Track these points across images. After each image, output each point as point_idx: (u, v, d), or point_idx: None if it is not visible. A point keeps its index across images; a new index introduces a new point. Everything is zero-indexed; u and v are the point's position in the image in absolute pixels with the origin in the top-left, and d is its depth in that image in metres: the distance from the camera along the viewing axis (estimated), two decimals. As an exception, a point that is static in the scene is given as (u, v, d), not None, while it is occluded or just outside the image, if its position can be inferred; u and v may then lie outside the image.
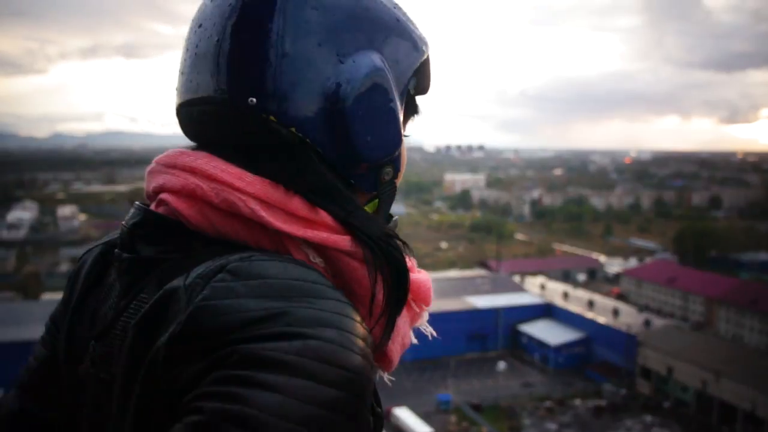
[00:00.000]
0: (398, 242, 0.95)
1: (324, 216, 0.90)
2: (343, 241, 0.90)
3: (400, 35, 1.00)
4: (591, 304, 72.31)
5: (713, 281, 74.39)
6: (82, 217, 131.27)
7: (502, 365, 68.08)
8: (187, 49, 0.98)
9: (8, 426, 1.09)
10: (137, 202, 0.97)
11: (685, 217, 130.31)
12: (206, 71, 0.93)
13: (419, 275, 1.04)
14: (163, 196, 0.92)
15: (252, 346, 0.71)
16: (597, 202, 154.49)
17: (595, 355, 67.55)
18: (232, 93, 0.91)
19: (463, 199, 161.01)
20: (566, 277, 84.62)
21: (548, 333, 68.37)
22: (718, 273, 78.65)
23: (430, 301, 1.08)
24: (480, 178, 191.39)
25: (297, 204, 0.90)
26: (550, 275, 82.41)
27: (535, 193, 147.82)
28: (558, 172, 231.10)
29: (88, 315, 1.00)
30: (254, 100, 0.90)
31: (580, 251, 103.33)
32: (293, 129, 0.90)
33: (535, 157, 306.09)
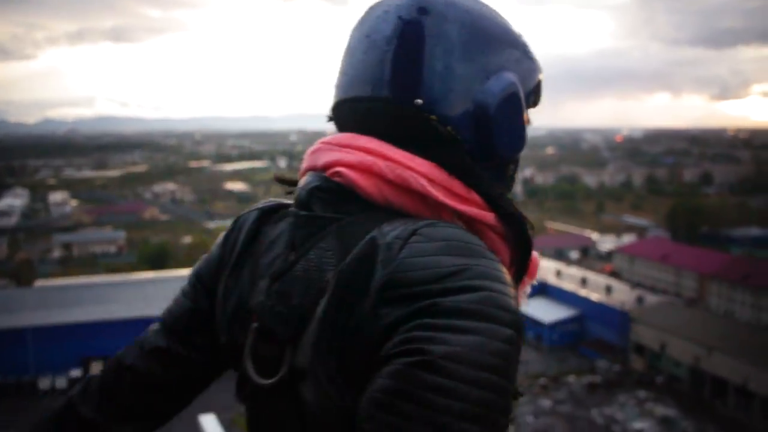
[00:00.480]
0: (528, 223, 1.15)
1: (475, 196, 1.11)
2: (490, 217, 1.11)
3: (527, 59, 1.23)
4: (584, 282, 72.59)
5: (705, 257, 74.79)
6: (74, 202, 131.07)
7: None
8: (353, 55, 1.18)
9: (156, 358, 1.31)
10: (313, 172, 1.17)
11: (677, 193, 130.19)
12: (376, 75, 1.13)
13: (534, 252, 1.19)
14: (339, 169, 1.11)
15: (447, 299, 0.90)
16: (589, 180, 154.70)
17: (588, 332, 67.99)
18: (401, 95, 1.12)
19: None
20: (559, 255, 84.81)
21: (542, 311, 68.68)
22: (711, 249, 78.98)
23: (536, 277, 1.27)
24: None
25: (456, 184, 1.10)
26: (543, 253, 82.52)
27: (527, 172, 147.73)
28: (550, 150, 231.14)
29: (248, 266, 1.21)
30: (420, 101, 1.11)
31: (572, 229, 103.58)
32: (449, 128, 1.12)
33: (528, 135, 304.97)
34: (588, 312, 68.27)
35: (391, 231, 1.00)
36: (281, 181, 1.31)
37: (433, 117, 1.11)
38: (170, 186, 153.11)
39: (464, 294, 0.91)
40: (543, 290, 72.84)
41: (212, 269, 1.30)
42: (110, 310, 58.57)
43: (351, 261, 1.00)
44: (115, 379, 1.32)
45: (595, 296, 69.05)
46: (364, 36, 1.17)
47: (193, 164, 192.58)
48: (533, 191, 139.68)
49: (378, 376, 0.91)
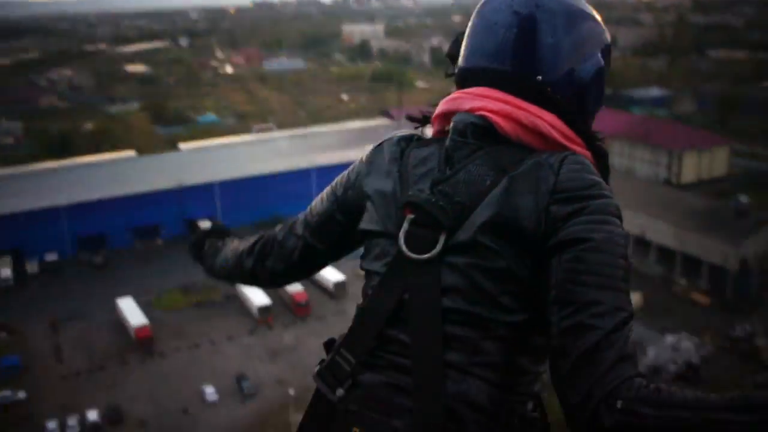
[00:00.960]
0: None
1: (578, 139, 1.59)
2: (588, 153, 1.57)
3: (600, 28, 1.69)
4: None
5: (609, 118, 76.54)
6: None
7: (407, 209, 69.68)
8: (480, 34, 1.65)
9: (296, 242, 1.91)
10: (461, 112, 1.59)
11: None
12: (506, 53, 1.59)
13: None
14: (486, 113, 1.55)
15: (594, 202, 1.40)
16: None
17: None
18: (525, 70, 1.57)
19: (362, 51, 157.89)
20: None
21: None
22: (613, 110, 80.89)
23: None
24: (379, 28, 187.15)
25: (571, 132, 1.58)
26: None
27: (435, 41, 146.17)
28: (457, 18, 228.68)
29: (396, 175, 1.63)
30: (540, 78, 1.57)
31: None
32: (558, 96, 1.58)
33: (434, 4, 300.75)
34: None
35: (548, 157, 1.47)
36: (412, 119, 1.80)
37: (548, 89, 1.57)
38: (67, 72, 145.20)
39: (601, 199, 1.42)
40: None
41: (354, 180, 1.75)
42: (11, 204, 56.67)
43: (524, 171, 1.46)
44: (269, 246, 1.98)
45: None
46: (492, 23, 1.62)
47: (90, 48, 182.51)
48: (441, 60, 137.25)
49: (561, 259, 1.37)
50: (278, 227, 1.99)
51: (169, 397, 40.73)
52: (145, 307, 49.02)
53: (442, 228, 1.47)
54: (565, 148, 1.54)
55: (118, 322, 47.92)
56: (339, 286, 52.39)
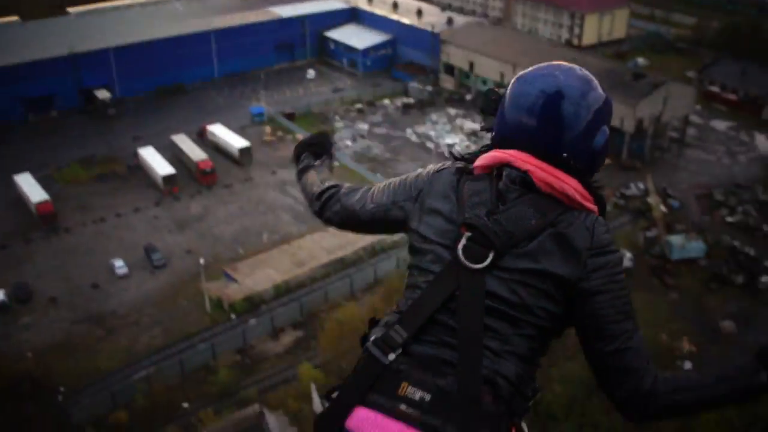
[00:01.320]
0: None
1: (591, 198, 2.24)
2: (595, 209, 2.23)
3: (609, 108, 2.28)
4: (395, 6, 72.55)
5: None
6: None
7: (311, 73, 68.80)
8: (513, 112, 2.25)
9: (355, 213, 2.59)
10: (510, 168, 2.22)
11: None
12: (539, 138, 2.19)
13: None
14: (531, 174, 2.17)
15: (614, 255, 2.13)
16: None
17: (401, 55, 69.27)
18: (554, 150, 2.19)
19: None
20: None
21: (355, 37, 68.75)
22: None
23: None
24: None
25: (587, 193, 2.23)
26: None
27: None
28: None
29: (453, 200, 2.24)
30: (566, 155, 2.19)
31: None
32: (578, 166, 2.21)
33: None
34: (400, 36, 69.06)
35: (584, 219, 2.14)
36: (459, 158, 2.42)
37: (571, 161, 2.20)
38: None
39: (617, 254, 2.14)
40: (355, 16, 72.51)
41: (416, 195, 2.36)
42: None
43: (573, 231, 2.10)
44: (333, 202, 2.68)
45: (406, 20, 69.50)
46: (525, 108, 2.21)
47: None
48: None
49: (596, 300, 2.08)
50: (345, 188, 2.71)
51: (78, 272, 40.51)
52: (45, 182, 47.61)
53: (492, 247, 2.08)
54: (582, 205, 2.21)
55: (18, 198, 46.48)
56: (244, 152, 52.07)
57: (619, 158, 52.85)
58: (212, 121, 55.85)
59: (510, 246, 2.07)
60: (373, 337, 2.12)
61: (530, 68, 2.31)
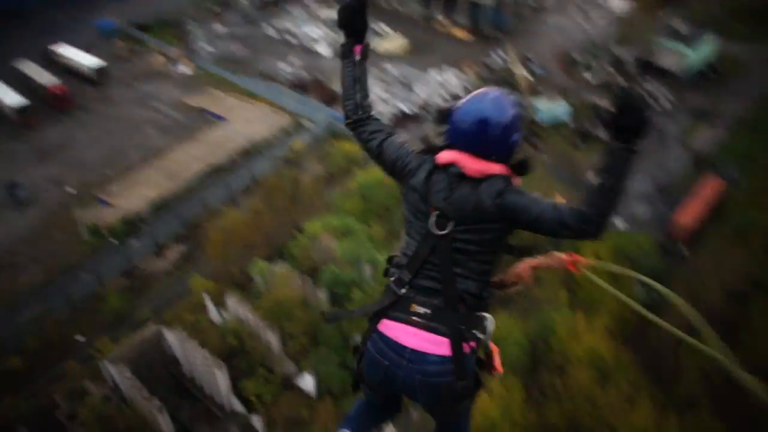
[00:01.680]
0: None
1: (510, 171, 3.65)
2: (518, 181, 3.67)
3: (521, 115, 3.67)
4: None
5: None
6: None
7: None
8: (460, 124, 3.64)
9: (365, 141, 4.05)
10: (454, 164, 3.63)
11: None
12: (477, 144, 3.57)
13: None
14: (464, 169, 3.59)
15: (512, 193, 3.58)
16: None
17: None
18: (487, 152, 3.58)
19: None
20: None
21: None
22: None
23: None
24: None
25: (507, 169, 3.62)
26: None
27: None
28: None
29: (427, 184, 3.67)
30: (494, 157, 3.59)
31: None
32: (500, 159, 3.61)
33: None
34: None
35: (499, 187, 3.53)
36: (428, 149, 3.78)
37: (494, 158, 3.58)
38: None
39: (516, 193, 3.58)
40: None
41: (412, 167, 3.77)
42: None
43: (489, 195, 3.51)
44: (361, 125, 3.99)
45: None
46: (463, 130, 3.60)
47: None
48: None
49: (503, 214, 3.53)
50: (373, 124, 3.97)
51: (-62, 219, 38.00)
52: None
53: (449, 219, 3.57)
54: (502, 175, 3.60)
55: None
56: (101, 72, 49.49)
57: (481, 30, 53.33)
58: (54, 41, 52.33)
59: (460, 216, 3.54)
60: (392, 278, 3.70)
61: (467, 97, 3.66)
